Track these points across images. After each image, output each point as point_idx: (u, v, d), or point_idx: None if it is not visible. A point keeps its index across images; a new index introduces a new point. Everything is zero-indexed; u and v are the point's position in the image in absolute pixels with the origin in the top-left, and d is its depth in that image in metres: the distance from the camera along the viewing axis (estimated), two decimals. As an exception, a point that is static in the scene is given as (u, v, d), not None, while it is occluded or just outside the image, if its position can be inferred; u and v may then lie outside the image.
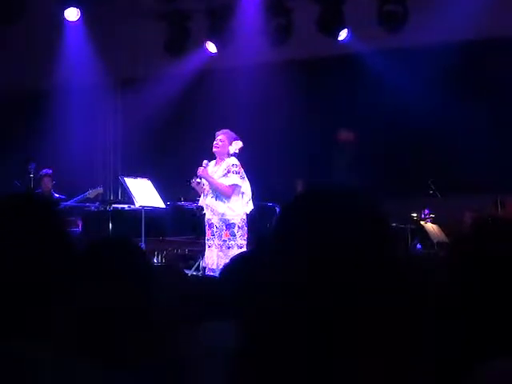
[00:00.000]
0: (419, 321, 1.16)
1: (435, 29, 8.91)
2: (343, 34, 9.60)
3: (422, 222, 8.86)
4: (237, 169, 6.60)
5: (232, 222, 6.60)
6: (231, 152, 6.69)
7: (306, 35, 9.55)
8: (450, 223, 8.43)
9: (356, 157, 8.85)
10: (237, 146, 6.71)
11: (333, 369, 1.14)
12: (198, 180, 6.74)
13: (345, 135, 9.25)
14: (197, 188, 6.83)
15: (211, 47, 10.19)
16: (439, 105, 8.91)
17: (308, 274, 1.17)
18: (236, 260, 2.24)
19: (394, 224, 8.32)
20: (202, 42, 10.17)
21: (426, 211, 8.93)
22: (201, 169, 6.67)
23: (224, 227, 6.60)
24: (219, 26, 9.96)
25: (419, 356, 1.14)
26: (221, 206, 6.63)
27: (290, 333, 1.16)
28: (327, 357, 1.14)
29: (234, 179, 6.59)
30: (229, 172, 6.61)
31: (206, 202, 6.72)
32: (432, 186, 8.89)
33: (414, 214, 8.96)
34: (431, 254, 7.94)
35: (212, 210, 6.68)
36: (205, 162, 6.71)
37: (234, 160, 6.64)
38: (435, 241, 8.56)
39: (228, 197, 6.61)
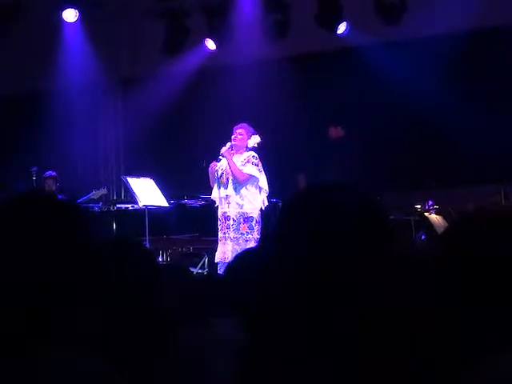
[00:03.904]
0: (418, 319, 1.15)
1: (435, 19, 8.86)
2: (342, 28, 9.57)
3: (425, 214, 8.84)
4: (256, 161, 6.69)
5: (251, 215, 6.62)
6: (250, 146, 6.79)
7: (305, 29, 9.53)
8: (454, 214, 8.40)
9: (352, 151, 8.81)
10: (255, 140, 6.80)
11: (334, 365, 1.14)
12: (221, 157, 6.76)
13: (335, 131, 9.21)
14: (210, 176, 6.79)
15: (210, 44, 10.17)
16: (441, 96, 8.87)
17: (308, 272, 1.17)
18: (240, 257, 2.24)
19: (397, 216, 8.31)
20: (201, 40, 10.16)
21: (430, 202, 8.90)
22: (224, 148, 6.72)
23: (242, 220, 6.60)
24: (217, 23, 9.95)
25: (419, 356, 1.14)
26: (240, 198, 6.64)
27: (293, 329, 1.16)
28: (328, 353, 1.14)
29: (251, 170, 6.65)
30: (248, 162, 6.68)
31: (227, 192, 6.70)
32: (433, 184, 8.81)
33: (418, 206, 8.94)
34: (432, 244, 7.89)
35: (229, 202, 6.67)
36: (228, 143, 6.75)
37: (254, 153, 6.73)
38: (440, 232, 8.51)
39: (241, 183, 6.63)
